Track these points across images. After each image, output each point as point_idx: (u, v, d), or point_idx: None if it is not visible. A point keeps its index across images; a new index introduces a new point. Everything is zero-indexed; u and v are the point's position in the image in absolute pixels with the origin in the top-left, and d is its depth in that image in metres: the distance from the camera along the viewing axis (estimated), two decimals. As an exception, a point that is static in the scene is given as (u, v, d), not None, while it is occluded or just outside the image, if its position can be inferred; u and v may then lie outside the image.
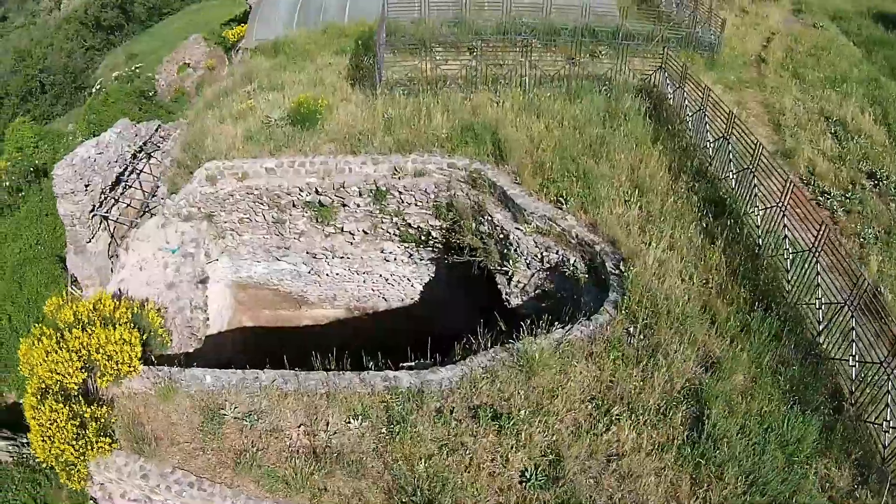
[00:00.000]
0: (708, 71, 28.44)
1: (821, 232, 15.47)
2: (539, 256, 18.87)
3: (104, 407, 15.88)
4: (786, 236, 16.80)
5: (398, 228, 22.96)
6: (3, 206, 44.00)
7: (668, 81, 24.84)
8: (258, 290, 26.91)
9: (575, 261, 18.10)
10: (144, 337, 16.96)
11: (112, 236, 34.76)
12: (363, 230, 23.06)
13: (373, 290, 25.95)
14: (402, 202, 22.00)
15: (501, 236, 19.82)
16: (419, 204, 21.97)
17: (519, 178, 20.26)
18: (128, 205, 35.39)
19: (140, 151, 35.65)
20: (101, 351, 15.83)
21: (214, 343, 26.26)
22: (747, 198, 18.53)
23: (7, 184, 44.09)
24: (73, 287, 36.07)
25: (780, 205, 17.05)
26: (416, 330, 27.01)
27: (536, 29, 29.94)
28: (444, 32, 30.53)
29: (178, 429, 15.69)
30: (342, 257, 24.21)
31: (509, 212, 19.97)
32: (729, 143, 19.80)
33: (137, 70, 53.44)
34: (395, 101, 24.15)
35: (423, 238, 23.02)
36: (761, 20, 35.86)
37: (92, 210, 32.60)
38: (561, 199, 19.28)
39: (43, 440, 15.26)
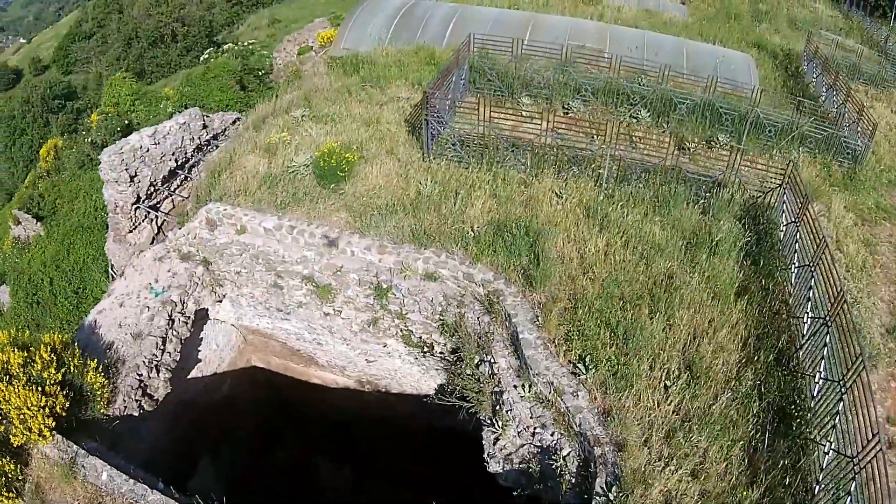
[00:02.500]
0: (844, 190, 22.72)
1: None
2: (532, 430, 14.53)
3: (16, 463, 14.94)
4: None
5: (401, 330, 19.02)
6: (86, 160, 42.74)
7: (785, 206, 19.42)
8: (267, 339, 23.78)
9: (568, 455, 13.64)
10: (67, 404, 15.32)
11: (160, 229, 32.72)
12: (362, 321, 19.28)
13: (384, 372, 22.22)
14: (405, 305, 18.06)
15: (498, 389, 15.52)
16: (423, 313, 17.95)
17: (543, 316, 15.84)
18: (184, 198, 33.21)
19: (207, 145, 33.33)
20: (16, 412, 14.74)
21: (205, 385, 23.63)
22: (827, 422, 13.12)
23: (91, 139, 42.78)
24: (114, 270, 34.25)
25: (854, 458, 12.04)
26: (430, 422, 23.26)
27: (647, 97, 25.07)
28: (542, 78, 26.00)
29: (68, 513, 14.10)
30: (342, 340, 20.61)
31: (516, 360, 15.65)
32: (829, 330, 14.30)
33: (251, 45, 51.26)
34: (438, 169, 20.13)
35: (426, 350, 19.00)
36: (920, 122, 29.37)
37: (136, 202, 30.58)
38: (582, 363, 14.71)
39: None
